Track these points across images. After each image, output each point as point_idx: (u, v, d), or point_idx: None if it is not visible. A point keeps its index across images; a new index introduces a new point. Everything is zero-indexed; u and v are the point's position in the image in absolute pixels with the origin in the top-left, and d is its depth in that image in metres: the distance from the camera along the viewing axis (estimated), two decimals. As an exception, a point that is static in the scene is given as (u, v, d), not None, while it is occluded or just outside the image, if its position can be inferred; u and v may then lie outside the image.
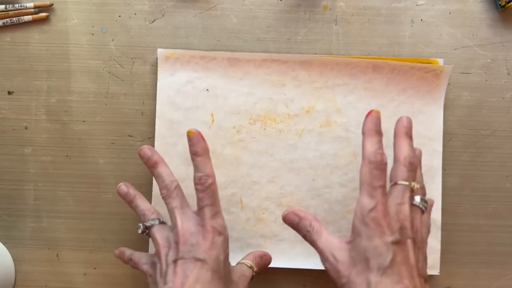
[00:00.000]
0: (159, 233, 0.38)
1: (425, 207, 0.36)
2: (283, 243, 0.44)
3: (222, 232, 0.37)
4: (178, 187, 0.39)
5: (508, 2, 0.44)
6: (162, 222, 0.39)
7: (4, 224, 0.45)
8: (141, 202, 0.40)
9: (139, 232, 0.39)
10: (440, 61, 0.44)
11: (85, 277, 0.45)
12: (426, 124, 0.44)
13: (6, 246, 0.45)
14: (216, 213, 0.37)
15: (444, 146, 0.44)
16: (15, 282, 0.45)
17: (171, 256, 0.36)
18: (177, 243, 0.36)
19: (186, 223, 0.37)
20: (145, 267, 0.39)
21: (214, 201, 0.37)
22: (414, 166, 0.36)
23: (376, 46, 0.45)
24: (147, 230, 0.39)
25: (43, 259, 0.45)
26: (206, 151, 0.38)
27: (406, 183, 0.35)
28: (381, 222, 0.33)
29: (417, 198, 0.36)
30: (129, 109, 0.45)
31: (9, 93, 0.45)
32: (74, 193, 0.45)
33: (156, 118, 0.44)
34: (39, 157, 0.45)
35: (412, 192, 0.35)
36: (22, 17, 0.44)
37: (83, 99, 0.45)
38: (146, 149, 0.40)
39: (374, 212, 0.34)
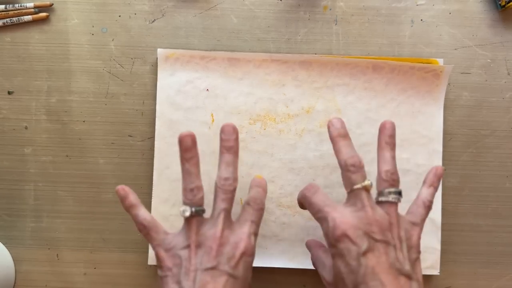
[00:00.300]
0: (198, 227, 0.35)
1: (398, 198, 0.35)
2: (283, 243, 0.44)
3: (253, 254, 0.35)
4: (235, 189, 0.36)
5: (508, 2, 0.44)
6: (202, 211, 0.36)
7: (4, 224, 0.45)
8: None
9: (187, 214, 0.34)
10: (440, 61, 0.44)
11: (85, 277, 0.45)
12: (426, 124, 0.44)
13: (6, 246, 0.45)
14: (255, 233, 0.35)
15: (444, 146, 0.44)
16: (15, 282, 0.45)
17: (206, 262, 0.33)
18: (211, 248, 0.34)
19: (227, 230, 0.35)
20: (164, 255, 0.35)
21: (258, 219, 0.36)
22: (396, 181, 0.35)
23: (376, 46, 0.45)
24: (192, 215, 0.35)
25: (43, 259, 0.45)
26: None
27: (358, 185, 0.34)
28: (345, 239, 0.33)
29: (385, 192, 0.35)
30: (129, 109, 0.45)
31: (9, 93, 0.45)
32: (74, 193, 0.45)
33: (156, 118, 0.44)
34: (39, 157, 0.45)
35: (366, 190, 0.34)
36: (22, 17, 0.44)
37: (83, 99, 0.45)
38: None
39: (337, 230, 0.33)
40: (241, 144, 0.44)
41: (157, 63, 0.44)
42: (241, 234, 0.34)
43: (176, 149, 0.44)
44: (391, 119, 0.44)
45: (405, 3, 0.45)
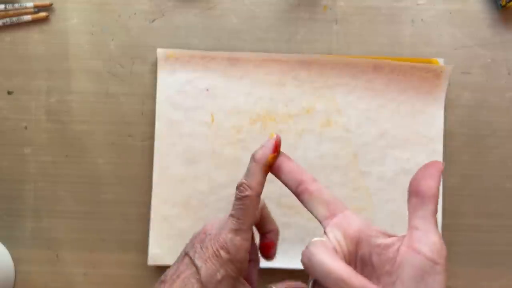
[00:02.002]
0: (213, 218, 0.34)
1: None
2: (283, 243, 0.44)
3: (231, 252, 0.31)
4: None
5: (509, 2, 0.44)
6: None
7: (4, 224, 0.45)
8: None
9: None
10: (441, 61, 0.44)
11: (85, 277, 0.45)
12: (427, 124, 0.44)
13: (5, 246, 0.45)
14: (238, 230, 0.32)
15: (444, 146, 0.44)
16: (14, 283, 0.45)
17: (187, 247, 0.33)
18: (195, 237, 0.33)
19: (216, 223, 0.33)
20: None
21: (243, 215, 0.32)
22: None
23: (376, 46, 0.45)
24: None
25: (42, 259, 0.45)
26: (262, 160, 0.33)
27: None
28: None
29: None
30: (129, 109, 0.45)
31: (9, 93, 0.45)
32: (74, 193, 0.45)
33: (156, 118, 0.44)
34: (39, 157, 0.45)
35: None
36: (21, 17, 0.44)
37: (83, 99, 0.45)
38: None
39: None
40: (241, 144, 0.44)
41: (157, 63, 0.44)
42: (220, 232, 0.32)
43: (176, 149, 0.44)
44: (391, 118, 0.44)
45: (405, 2, 0.45)
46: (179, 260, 0.33)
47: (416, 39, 0.45)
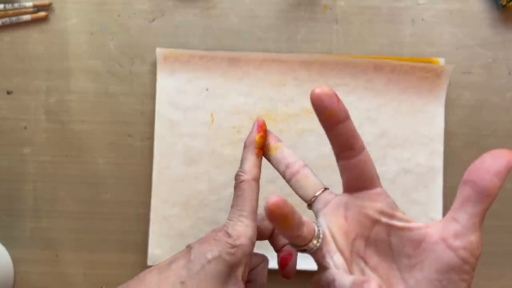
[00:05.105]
0: None
1: None
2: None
3: (231, 235, 0.29)
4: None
5: (509, 2, 0.43)
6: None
7: (3, 224, 0.45)
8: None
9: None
10: (441, 61, 0.44)
11: (85, 278, 0.45)
12: (427, 124, 0.44)
13: (5, 247, 0.45)
14: (239, 216, 0.30)
15: (445, 146, 0.44)
16: (14, 283, 0.45)
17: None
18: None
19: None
20: None
21: (241, 202, 0.30)
22: None
23: (376, 45, 0.45)
24: None
25: (42, 259, 0.45)
26: (252, 144, 0.31)
27: None
28: None
29: None
30: (129, 109, 0.45)
31: (8, 93, 0.45)
32: (73, 193, 0.45)
33: (156, 118, 0.44)
34: (38, 157, 0.45)
35: None
36: (21, 17, 0.44)
37: (83, 99, 0.45)
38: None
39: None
40: (241, 144, 0.43)
41: (156, 63, 0.44)
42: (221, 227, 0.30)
43: (175, 149, 0.44)
44: (392, 118, 0.44)
45: (405, 2, 0.45)
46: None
47: (416, 39, 0.45)
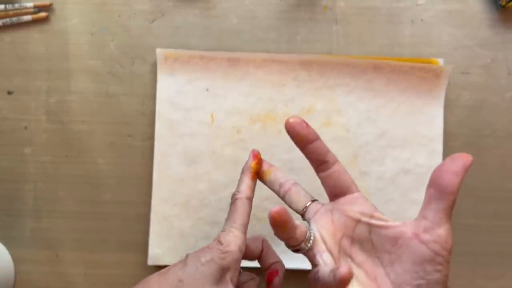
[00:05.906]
0: None
1: None
2: (284, 243, 0.44)
3: (222, 242, 0.33)
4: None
5: (508, 2, 0.44)
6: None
7: (4, 224, 0.45)
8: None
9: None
10: (440, 61, 0.44)
11: (85, 277, 0.45)
12: (426, 124, 0.44)
13: (5, 246, 0.45)
14: (230, 227, 0.33)
15: (444, 146, 0.44)
16: (14, 283, 0.45)
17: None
18: None
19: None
20: None
21: (234, 217, 0.34)
22: None
23: (376, 46, 0.45)
24: None
25: (42, 259, 0.45)
26: (248, 169, 0.35)
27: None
28: None
29: None
30: (129, 109, 0.45)
31: (9, 93, 0.45)
32: (74, 193, 0.45)
33: (156, 118, 0.44)
34: (38, 157, 0.45)
35: None
36: (21, 17, 0.44)
37: (83, 99, 0.45)
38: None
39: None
40: (241, 144, 0.44)
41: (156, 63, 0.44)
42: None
43: (176, 149, 0.44)
44: (391, 119, 0.44)
45: (405, 3, 0.45)
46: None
47: (415, 39, 0.45)
